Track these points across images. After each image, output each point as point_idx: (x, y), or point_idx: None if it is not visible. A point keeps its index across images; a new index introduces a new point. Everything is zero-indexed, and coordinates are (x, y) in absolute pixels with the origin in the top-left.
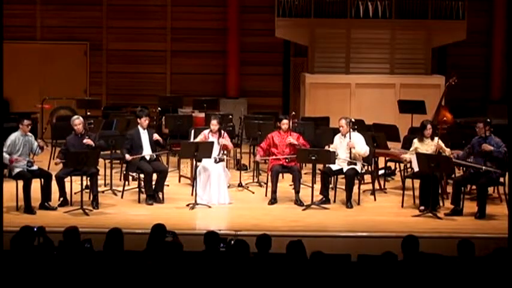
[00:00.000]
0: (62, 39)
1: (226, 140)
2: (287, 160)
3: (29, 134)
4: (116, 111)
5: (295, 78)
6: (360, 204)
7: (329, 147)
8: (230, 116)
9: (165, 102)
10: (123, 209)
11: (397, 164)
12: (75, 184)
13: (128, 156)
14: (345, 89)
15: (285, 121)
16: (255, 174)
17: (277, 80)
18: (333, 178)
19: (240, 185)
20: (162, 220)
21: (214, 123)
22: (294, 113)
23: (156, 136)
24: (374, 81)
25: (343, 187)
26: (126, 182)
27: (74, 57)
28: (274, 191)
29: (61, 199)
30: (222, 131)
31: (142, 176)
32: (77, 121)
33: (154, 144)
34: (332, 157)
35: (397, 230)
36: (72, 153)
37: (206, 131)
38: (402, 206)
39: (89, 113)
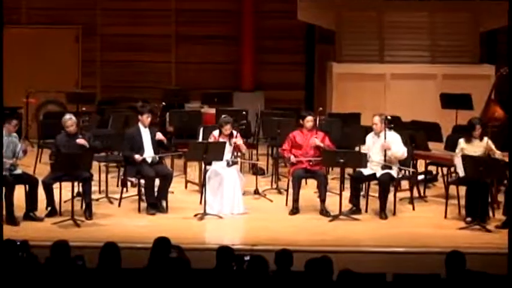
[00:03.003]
0: (49, 22)
1: (239, 140)
2: (311, 163)
3: (14, 133)
4: (112, 107)
5: (321, 68)
6: (396, 215)
7: (360, 148)
8: (244, 112)
9: (170, 96)
10: (120, 219)
11: (440, 167)
12: (65, 191)
13: (137, 157)
14: (378, 81)
15: (309, 118)
16: (273, 179)
17: (300, 70)
18: (364, 184)
19: (256, 192)
20: (165, 233)
21: (227, 128)
22: (321, 108)
23: (159, 135)
24: (412, 71)
25: (376, 195)
26: (124, 189)
27: (64, 43)
28: (296, 199)
29: (49, 208)
30: (234, 132)
31: (142, 181)
32: (70, 122)
33: (157, 145)
34: (363, 160)
35: (440, 245)
36: (63, 155)
37: (216, 132)
38: (445, 216)
39: (84, 109)
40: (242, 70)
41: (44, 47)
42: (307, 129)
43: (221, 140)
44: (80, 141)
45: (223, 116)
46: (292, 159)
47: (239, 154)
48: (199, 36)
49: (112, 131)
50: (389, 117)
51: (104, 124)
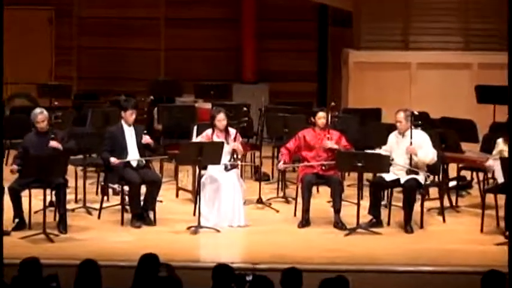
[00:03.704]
0: (18, 2)
1: (238, 144)
2: (324, 167)
3: None
4: (91, 101)
5: (335, 56)
6: (424, 228)
7: (381, 149)
8: (245, 108)
9: (158, 88)
10: (100, 233)
11: (475, 173)
12: (35, 200)
13: (113, 160)
14: (402, 71)
15: (321, 114)
16: (280, 186)
17: (310, 58)
18: (386, 192)
19: (259, 201)
20: (153, 249)
21: (220, 119)
22: (333, 103)
23: (146, 139)
24: (442, 59)
25: (401, 204)
26: (105, 197)
27: (35, 27)
28: (306, 210)
29: (16, 220)
30: (232, 129)
31: (126, 188)
32: (40, 116)
33: (143, 147)
34: (385, 163)
35: (475, 263)
36: (32, 158)
37: (209, 131)
38: (482, 230)
39: (56, 103)
40: (242, 58)
41: (10, 32)
42: (320, 128)
43: (216, 138)
44: (53, 143)
45: (214, 108)
46: (280, 166)
47: (239, 156)
48: (192, 19)
49: (90, 129)
50: (416, 114)
51: (81, 121)
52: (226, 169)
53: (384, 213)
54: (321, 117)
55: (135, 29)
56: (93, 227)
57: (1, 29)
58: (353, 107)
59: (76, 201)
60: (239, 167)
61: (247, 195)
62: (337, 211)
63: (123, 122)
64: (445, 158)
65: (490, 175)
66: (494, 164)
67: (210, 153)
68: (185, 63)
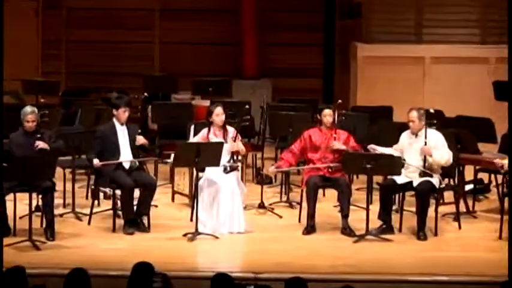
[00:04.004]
0: None
1: (239, 143)
2: (330, 169)
3: None
4: (80, 98)
5: (343, 51)
6: (438, 235)
7: (392, 148)
8: (247, 106)
9: (153, 84)
10: (90, 240)
11: (493, 175)
12: (20, 204)
13: (96, 162)
14: (415, 65)
15: (326, 111)
16: (283, 189)
17: (316, 52)
18: (397, 196)
19: (261, 205)
20: (147, 257)
21: (218, 113)
22: (340, 101)
23: (140, 139)
24: (458, 53)
25: (413, 209)
26: (96, 202)
27: (20, 19)
28: (311, 215)
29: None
30: (230, 128)
31: (118, 192)
32: (31, 116)
33: (136, 147)
34: (397, 165)
35: (493, 273)
36: (18, 159)
37: (205, 131)
38: (500, 237)
39: (43, 100)
40: (243, 52)
41: None
42: (326, 127)
43: (213, 137)
44: (40, 144)
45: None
46: (272, 169)
47: (239, 158)
48: (189, 10)
49: (80, 128)
50: (431, 111)
51: (70, 120)
52: (226, 171)
53: (395, 218)
54: (327, 114)
55: (128, 21)
56: (83, 233)
57: (1, 29)
58: (362, 104)
59: (64, 206)
60: (239, 168)
61: (248, 199)
62: (344, 216)
63: (115, 120)
64: (461, 159)
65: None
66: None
67: (208, 155)
68: (182, 57)
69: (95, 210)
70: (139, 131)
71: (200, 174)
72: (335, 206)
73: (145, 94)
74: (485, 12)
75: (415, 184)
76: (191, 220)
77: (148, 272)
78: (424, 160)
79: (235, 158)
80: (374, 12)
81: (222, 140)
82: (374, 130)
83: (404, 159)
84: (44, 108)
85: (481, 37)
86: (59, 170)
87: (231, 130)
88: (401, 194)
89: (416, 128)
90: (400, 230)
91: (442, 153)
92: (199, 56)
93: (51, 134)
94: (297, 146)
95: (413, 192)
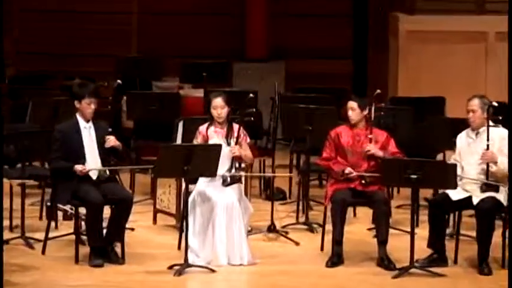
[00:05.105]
0: None
1: (244, 144)
2: (364, 181)
3: None
4: (33, 87)
5: (378, 24)
6: (507, 267)
7: (444, 155)
8: (252, 95)
9: (129, 68)
10: (46, 275)
11: None
12: None
13: (80, 168)
14: (475, 43)
15: (349, 104)
16: (300, 207)
17: (343, 27)
18: (453, 216)
19: (272, 228)
20: None
21: (217, 105)
22: (378, 90)
23: (111, 141)
24: None
25: (473, 234)
26: (53, 224)
27: None
28: (338, 241)
29: None
30: (236, 125)
31: (83, 211)
32: None
33: (107, 151)
34: (451, 175)
35: None
36: None
37: (203, 127)
38: None
39: None
40: (247, 26)
41: None
42: (355, 125)
43: (214, 136)
44: None
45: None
46: (349, 171)
47: (243, 165)
48: None
49: (32, 126)
50: (494, 104)
51: (19, 115)
52: (225, 183)
53: (449, 245)
54: (350, 108)
55: None
56: (36, 265)
57: (1, 28)
58: (404, 95)
59: (11, 229)
60: (243, 180)
61: (255, 220)
62: (382, 242)
63: (78, 116)
64: None
65: None
66: None
67: (202, 161)
68: (167, 33)
69: (51, 234)
70: (110, 129)
71: (191, 187)
72: (369, 229)
73: (119, 81)
74: None
75: (475, 201)
76: (179, 248)
77: None
78: (487, 168)
79: (237, 165)
80: None
81: (221, 142)
82: (421, 127)
83: (461, 169)
84: None
85: None
86: (4, 182)
87: (236, 128)
88: (457, 213)
89: (478, 122)
90: (455, 261)
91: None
92: (189, 30)
93: None
94: (329, 150)
95: (472, 212)
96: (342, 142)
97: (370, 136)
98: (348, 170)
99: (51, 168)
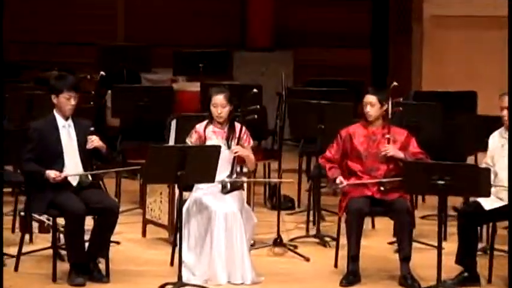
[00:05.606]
0: None
1: (247, 148)
2: (383, 188)
3: None
4: (4, 80)
5: (399, 9)
6: None
7: (476, 158)
8: (255, 90)
9: (114, 59)
10: None
11: None
12: None
13: (54, 174)
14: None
15: (367, 99)
16: (311, 217)
17: (361, 10)
18: (486, 228)
19: (278, 241)
20: None
21: (217, 103)
22: (395, 83)
23: (94, 141)
24: None
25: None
26: (27, 237)
27: None
28: (354, 257)
29: None
30: (238, 124)
31: (62, 222)
32: None
33: (88, 153)
34: (484, 181)
35: None
36: None
37: (200, 126)
38: None
39: None
40: (249, 10)
41: None
42: (371, 123)
43: (213, 136)
44: None
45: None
46: (340, 181)
47: (245, 170)
48: None
49: (4, 124)
50: None
51: None
52: (225, 190)
53: (481, 262)
54: (368, 103)
55: None
56: (8, 284)
57: (1, 28)
58: (429, 89)
59: None
60: (245, 186)
61: (259, 232)
62: (404, 259)
63: (56, 113)
64: None
65: None
66: None
67: (198, 165)
68: (158, 17)
69: (25, 249)
70: (93, 128)
71: (185, 194)
72: (390, 243)
73: (102, 73)
74: None
75: None
76: (171, 264)
77: None
78: None
79: (238, 170)
80: None
81: (221, 143)
82: (449, 126)
83: (495, 173)
84: None
85: None
86: None
87: (238, 127)
88: (491, 225)
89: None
90: (489, 280)
91: None
92: (183, 16)
93: None
94: (335, 148)
95: (507, 224)
96: (354, 144)
97: (387, 136)
98: (338, 179)
99: (22, 172)
